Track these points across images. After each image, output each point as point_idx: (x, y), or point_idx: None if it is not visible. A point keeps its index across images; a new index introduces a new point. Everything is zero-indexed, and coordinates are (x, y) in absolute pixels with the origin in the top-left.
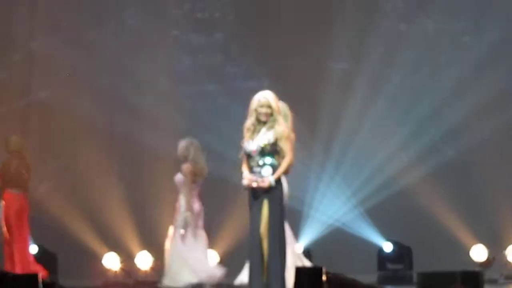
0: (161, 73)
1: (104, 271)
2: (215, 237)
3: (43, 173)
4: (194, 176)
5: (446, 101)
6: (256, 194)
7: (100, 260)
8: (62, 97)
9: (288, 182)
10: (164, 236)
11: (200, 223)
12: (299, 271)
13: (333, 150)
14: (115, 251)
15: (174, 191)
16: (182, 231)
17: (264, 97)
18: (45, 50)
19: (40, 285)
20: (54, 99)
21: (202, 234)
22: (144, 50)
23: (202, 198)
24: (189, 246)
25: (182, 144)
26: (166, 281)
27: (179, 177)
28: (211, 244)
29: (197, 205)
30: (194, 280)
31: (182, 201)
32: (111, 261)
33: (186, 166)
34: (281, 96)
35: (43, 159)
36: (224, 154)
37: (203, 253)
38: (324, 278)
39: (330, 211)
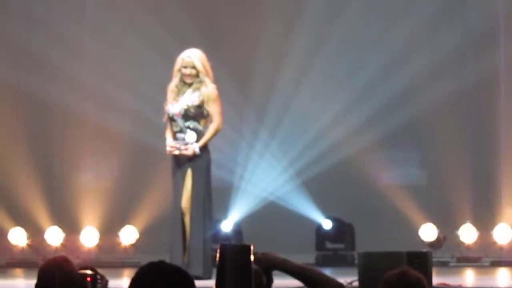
0: (79, 28)
1: (10, 247)
2: (134, 210)
3: None
4: None
5: (394, 62)
6: (179, 162)
7: (6, 235)
8: None
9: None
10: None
11: None
12: (224, 248)
13: (268, 114)
14: (22, 227)
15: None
16: None
17: (189, 57)
18: None
19: None
20: None
21: None
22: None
23: None
24: None
25: None
26: None
27: None
28: (129, 218)
29: None
30: None
31: None
32: (17, 237)
33: None
34: (214, 58)
35: None
36: (147, 117)
37: None
38: (252, 257)
39: (264, 183)
